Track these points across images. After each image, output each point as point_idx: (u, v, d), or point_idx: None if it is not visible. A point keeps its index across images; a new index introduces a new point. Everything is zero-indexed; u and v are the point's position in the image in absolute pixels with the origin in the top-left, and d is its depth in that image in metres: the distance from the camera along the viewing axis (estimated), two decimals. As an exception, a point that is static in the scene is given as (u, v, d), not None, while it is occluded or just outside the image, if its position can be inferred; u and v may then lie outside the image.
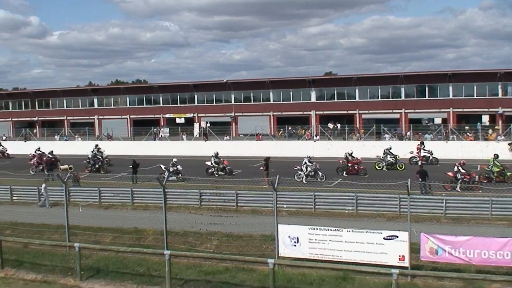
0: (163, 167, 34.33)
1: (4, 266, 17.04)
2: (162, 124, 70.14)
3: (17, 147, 54.95)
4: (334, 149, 45.60)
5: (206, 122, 66.86)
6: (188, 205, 24.94)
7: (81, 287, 15.30)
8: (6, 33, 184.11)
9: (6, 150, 51.83)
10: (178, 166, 34.07)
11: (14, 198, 28.76)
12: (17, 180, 32.08)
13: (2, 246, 17.39)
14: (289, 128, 55.88)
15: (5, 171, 35.13)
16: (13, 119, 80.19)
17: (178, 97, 71.68)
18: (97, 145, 45.38)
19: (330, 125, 57.68)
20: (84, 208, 25.16)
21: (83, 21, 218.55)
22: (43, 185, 27.16)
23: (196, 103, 70.47)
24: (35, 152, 44.51)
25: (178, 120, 69.50)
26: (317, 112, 64.72)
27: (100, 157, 41.47)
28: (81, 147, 49.83)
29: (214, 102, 70.07)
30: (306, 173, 32.63)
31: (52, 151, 43.76)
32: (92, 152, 42.68)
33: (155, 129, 60.74)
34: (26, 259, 17.76)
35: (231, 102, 68.90)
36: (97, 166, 39.49)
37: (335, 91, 64.75)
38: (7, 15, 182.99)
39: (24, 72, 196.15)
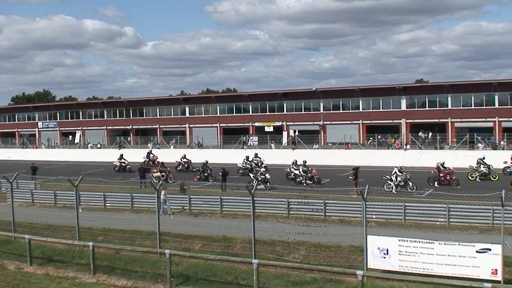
0: (251, 175, 34.56)
1: (96, 272, 17.51)
2: (251, 132, 70.82)
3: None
4: (425, 158, 44.76)
5: (295, 131, 66.72)
6: (276, 214, 25.09)
7: (171, 293, 15.55)
8: (102, 43, 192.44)
9: (157, 158, 52.28)
10: (267, 175, 34.20)
11: (107, 204, 29.62)
12: (111, 187, 32.87)
13: (95, 252, 17.88)
14: (379, 136, 55.01)
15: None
16: (108, 127, 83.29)
17: (267, 105, 72.22)
18: (256, 154, 46.19)
19: (421, 134, 56.47)
20: (174, 215, 25.81)
21: (175, 31, 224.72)
22: (163, 192, 26.27)
23: (285, 112, 70.85)
24: (181, 159, 46.39)
25: (267, 129, 70.09)
26: (408, 121, 63.48)
27: (254, 165, 42.35)
28: (173, 155, 50.71)
29: (303, 110, 70.12)
30: (396, 183, 31.98)
31: (185, 155, 47.06)
32: (249, 160, 43.92)
33: (244, 137, 61.30)
34: (117, 265, 18.20)
35: (319, 110, 68.63)
36: (206, 174, 39.43)
37: (426, 99, 63.25)
38: (103, 25, 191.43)
39: (119, 81, 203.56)
